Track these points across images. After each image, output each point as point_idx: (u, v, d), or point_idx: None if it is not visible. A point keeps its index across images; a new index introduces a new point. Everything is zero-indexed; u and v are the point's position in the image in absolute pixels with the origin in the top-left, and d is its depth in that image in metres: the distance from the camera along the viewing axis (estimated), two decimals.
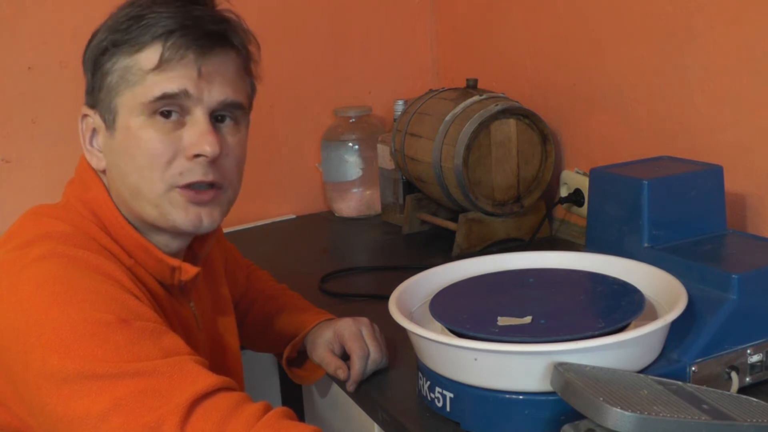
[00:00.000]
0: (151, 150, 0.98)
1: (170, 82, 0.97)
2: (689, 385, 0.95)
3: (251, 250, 1.61)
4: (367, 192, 2.05)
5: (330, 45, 2.09)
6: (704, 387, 0.95)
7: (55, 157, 1.81)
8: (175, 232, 1.04)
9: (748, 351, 1.06)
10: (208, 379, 0.88)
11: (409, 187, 1.89)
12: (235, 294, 1.31)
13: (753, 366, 1.07)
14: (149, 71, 0.97)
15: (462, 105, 1.69)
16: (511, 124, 1.67)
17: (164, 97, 0.97)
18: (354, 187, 2.04)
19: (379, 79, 2.16)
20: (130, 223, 1.03)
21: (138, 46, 0.98)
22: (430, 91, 1.86)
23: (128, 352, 0.87)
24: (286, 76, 2.03)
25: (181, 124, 0.99)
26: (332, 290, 1.55)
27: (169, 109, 0.98)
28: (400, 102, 1.96)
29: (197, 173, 1.00)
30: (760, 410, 0.89)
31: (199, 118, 0.99)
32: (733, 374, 1.05)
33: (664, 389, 0.91)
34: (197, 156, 0.99)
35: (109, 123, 1.01)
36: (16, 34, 1.77)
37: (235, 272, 1.34)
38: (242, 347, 1.27)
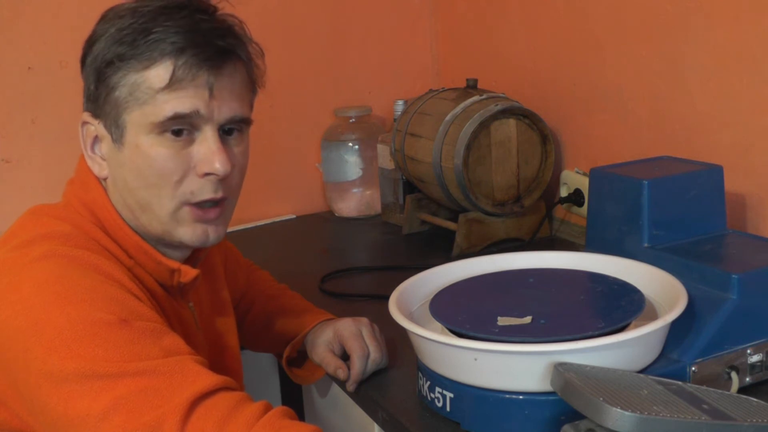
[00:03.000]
0: (162, 169, 0.98)
1: (182, 102, 0.97)
2: (689, 385, 0.95)
3: (251, 250, 1.61)
4: (367, 192, 2.05)
5: (330, 45, 2.09)
6: (704, 387, 0.95)
7: (55, 157, 1.81)
8: (180, 247, 1.05)
9: (748, 351, 1.06)
10: (209, 379, 0.88)
11: (409, 187, 1.89)
12: (235, 294, 1.31)
13: (753, 366, 1.07)
14: (160, 90, 0.97)
15: (462, 105, 1.69)
16: (511, 124, 1.67)
17: (176, 117, 0.97)
18: (354, 187, 2.04)
19: (379, 79, 2.16)
20: (130, 226, 1.03)
21: (147, 63, 0.97)
22: (430, 91, 1.86)
23: (129, 351, 0.87)
24: (286, 76, 2.03)
25: (190, 141, 0.99)
26: (332, 290, 1.55)
27: (179, 127, 0.98)
28: (400, 102, 1.96)
29: (208, 191, 1.00)
30: (760, 410, 0.89)
31: (209, 135, 0.99)
32: (733, 374, 1.05)
33: (664, 389, 0.91)
34: (208, 174, 0.99)
35: (116, 137, 1.00)
36: (16, 34, 1.77)
37: (235, 272, 1.34)
38: (242, 347, 1.27)
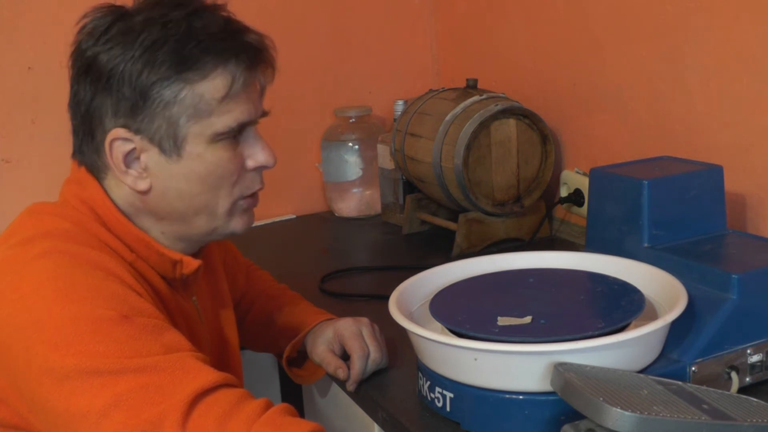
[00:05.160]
0: (225, 172, 1.02)
1: (242, 110, 1.01)
2: (689, 385, 0.95)
3: (251, 250, 1.61)
4: (367, 192, 2.05)
5: (330, 45, 2.09)
6: (704, 387, 0.95)
7: (55, 157, 1.80)
8: (215, 238, 1.09)
9: (748, 351, 1.06)
10: (210, 376, 0.88)
11: (409, 187, 1.89)
12: (235, 294, 1.31)
13: (753, 366, 1.07)
14: (219, 100, 0.99)
15: (462, 105, 1.69)
16: (511, 124, 1.67)
17: (240, 125, 1.01)
18: (354, 187, 2.04)
19: (379, 79, 2.16)
20: (133, 223, 1.03)
21: (200, 73, 0.98)
22: (430, 91, 1.86)
23: (129, 347, 0.87)
24: (286, 76, 2.00)
25: (237, 139, 1.03)
26: (332, 290, 1.55)
27: (236, 133, 1.02)
28: (400, 102, 1.96)
29: (258, 182, 1.08)
30: (760, 410, 0.89)
31: (252, 132, 1.05)
32: (733, 374, 1.05)
33: (664, 389, 0.91)
34: (258, 168, 1.05)
35: (169, 149, 0.99)
36: (16, 34, 1.77)
37: (234, 272, 1.34)
38: (242, 347, 1.27)
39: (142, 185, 1.01)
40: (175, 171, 1.01)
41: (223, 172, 1.02)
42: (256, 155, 1.05)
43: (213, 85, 0.98)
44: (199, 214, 1.04)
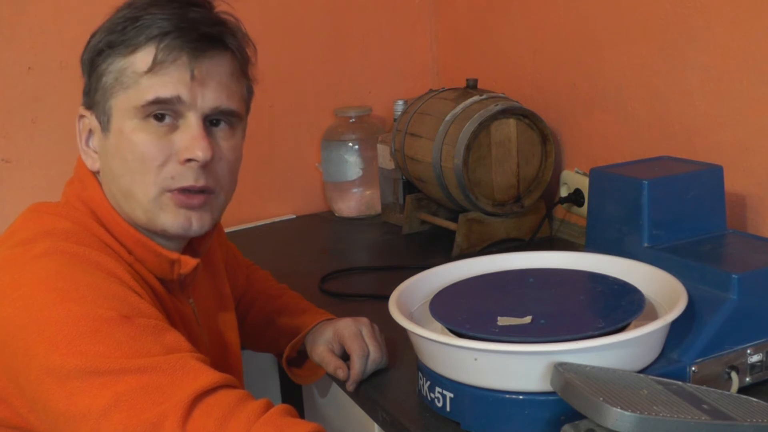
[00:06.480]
0: (144, 153, 0.98)
1: (164, 86, 0.97)
2: (689, 385, 0.95)
3: (251, 250, 1.61)
4: (367, 192, 2.05)
5: (330, 45, 2.09)
6: (704, 387, 0.95)
7: (55, 157, 1.81)
8: (165, 236, 1.04)
9: (748, 351, 1.06)
10: (210, 376, 0.88)
11: (409, 187, 1.89)
12: (235, 293, 1.31)
13: (753, 366, 1.07)
14: (143, 74, 0.97)
15: (462, 105, 1.69)
16: (511, 124, 1.67)
17: (157, 101, 0.98)
18: (354, 187, 2.04)
19: (379, 79, 2.16)
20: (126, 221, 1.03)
21: (132, 47, 0.98)
22: (430, 91, 1.86)
23: (130, 348, 0.87)
24: (286, 76, 2.03)
25: (174, 128, 0.99)
26: (332, 290, 1.55)
27: (162, 112, 0.98)
28: (400, 102, 1.96)
29: (189, 178, 1.00)
30: (760, 410, 0.89)
31: (191, 122, 0.99)
32: (733, 374, 1.05)
33: (664, 389, 0.91)
34: (189, 161, 0.99)
35: (104, 125, 1.01)
36: (16, 34, 1.77)
37: (235, 272, 1.34)
38: (242, 347, 1.27)
39: (95, 165, 1.03)
40: (107, 148, 1.01)
41: (143, 155, 0.98)
42: (186, 146, 0.98)
43: (138, 58, 0.98)
44: (128, 199, 1.01)
